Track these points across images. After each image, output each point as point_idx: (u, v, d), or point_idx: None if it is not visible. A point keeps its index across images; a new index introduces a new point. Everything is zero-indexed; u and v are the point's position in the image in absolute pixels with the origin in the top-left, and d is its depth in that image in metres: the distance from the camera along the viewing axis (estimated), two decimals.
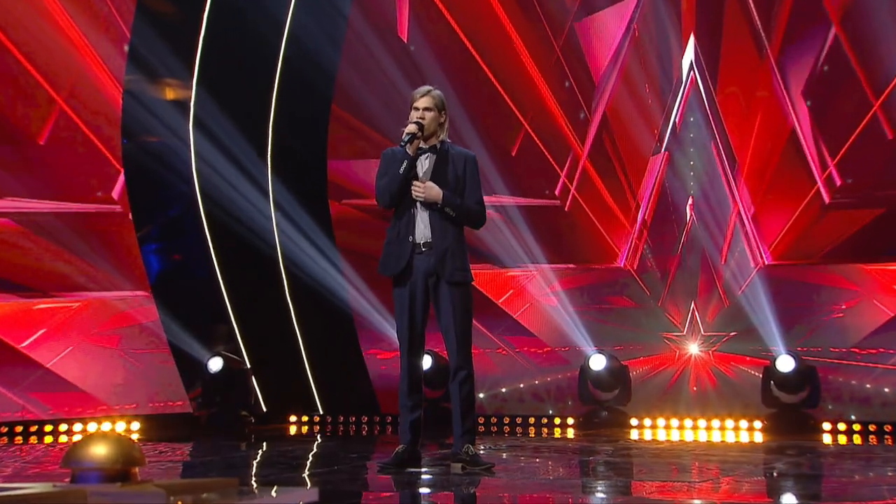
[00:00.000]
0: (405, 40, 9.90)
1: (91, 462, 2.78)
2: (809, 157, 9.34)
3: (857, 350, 8.93)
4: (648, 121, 9.67)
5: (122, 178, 9.13)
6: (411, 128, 5.66)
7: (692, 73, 9.55)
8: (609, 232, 9.69)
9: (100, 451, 2.79)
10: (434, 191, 5.63)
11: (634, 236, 9.59)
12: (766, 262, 9.31)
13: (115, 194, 9.14)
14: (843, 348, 8.95)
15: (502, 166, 9.68)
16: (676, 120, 9.61)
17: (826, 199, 9.23)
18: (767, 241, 9.36)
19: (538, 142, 9.82)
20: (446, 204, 5.62)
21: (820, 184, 9.24)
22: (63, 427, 8.59)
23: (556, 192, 9.81)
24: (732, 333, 9.25)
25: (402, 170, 5.64)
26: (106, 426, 8.71)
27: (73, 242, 8.89)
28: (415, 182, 5.64)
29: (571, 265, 9.75)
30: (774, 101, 9.41)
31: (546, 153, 9.81)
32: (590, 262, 9.79)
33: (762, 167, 9.43)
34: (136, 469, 2.83)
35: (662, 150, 9.59)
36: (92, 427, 8.68)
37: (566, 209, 9.74)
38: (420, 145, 5.72)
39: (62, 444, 7.98)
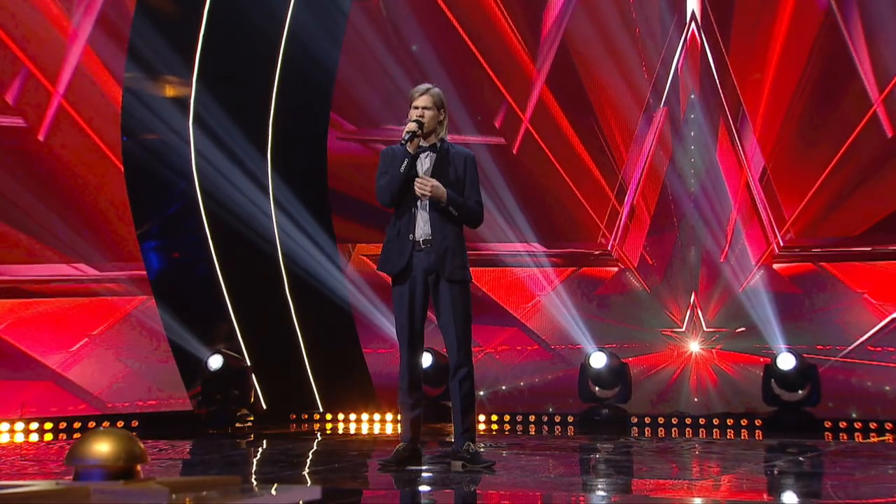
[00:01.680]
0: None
1: (94, 459, 2.77)
2: (860, 71, 6.91)
3: (858, 347, 8.91)
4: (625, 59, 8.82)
5: (21, 75, 8.04)
6: (411, 126, 5.65)
7: (691, 26, 8.61)
8: (585, 197, 9.18)
9: (103, 448, 2.77)
10: (440, 189, 5.63)
11: (623, 216, 9.32)
12: (781, 244, 8.58)
13: (10, 98, 8.00)
14: (844, 346, 8.92)
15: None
16: (678, 64, 8.58)
17: (888, 132, 7.03)
18: (788, 213, 8.45)
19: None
20: (450, 203, 5.62)
21: (880, 113, 6.79)
22: (63, 425, 8.58)
23: (497, 125, 8.97)
24: (739, 330, 9.20)
25: (402, 168, 5.63)
26: (105, 424, 8.70)
27: None
28: (420, 178, 5.63)
29: (543, 246, 9.40)
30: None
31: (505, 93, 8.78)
32: (570, 241, 9.26)
33: (780, 108, 8.11)
34: (139, 466, 2.82)
35: (661, 105, 8.91)
36: (91, 426, 8.67)
37: (514, 152, 9.10)
38: (420, 143, 5.72)
39: (62, 441, 7.96)
